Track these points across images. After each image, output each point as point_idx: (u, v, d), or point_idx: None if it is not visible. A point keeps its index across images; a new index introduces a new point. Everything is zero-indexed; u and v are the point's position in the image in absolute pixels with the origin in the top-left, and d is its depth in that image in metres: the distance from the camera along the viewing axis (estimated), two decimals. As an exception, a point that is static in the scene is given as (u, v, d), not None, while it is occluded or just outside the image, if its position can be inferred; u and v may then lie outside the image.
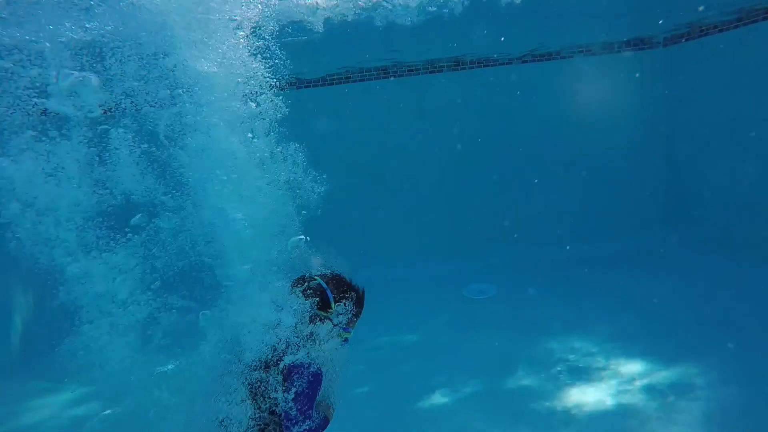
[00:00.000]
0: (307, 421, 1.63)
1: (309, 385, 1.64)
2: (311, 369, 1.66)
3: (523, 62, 6.66)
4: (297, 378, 1.64)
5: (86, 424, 4.15)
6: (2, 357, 5.06)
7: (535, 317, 5.08)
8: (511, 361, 4.32)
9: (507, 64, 6.68)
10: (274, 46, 2.11)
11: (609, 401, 3.64)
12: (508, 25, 5.26)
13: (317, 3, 4.20)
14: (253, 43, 2.05)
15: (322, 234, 1.95)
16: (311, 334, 1.73)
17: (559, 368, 4.15)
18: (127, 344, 1.97)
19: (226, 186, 1.85)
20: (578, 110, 6.46)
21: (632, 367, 4.04)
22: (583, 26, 5.96)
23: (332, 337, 1.79)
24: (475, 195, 6.95)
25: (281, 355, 1.68)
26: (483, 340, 4.77)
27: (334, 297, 1.80)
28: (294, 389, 1.62)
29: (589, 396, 3.73)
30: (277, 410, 1.64)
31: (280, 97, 2.02)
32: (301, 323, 1.72)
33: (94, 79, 1.91)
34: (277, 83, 2.02)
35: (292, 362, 1.66)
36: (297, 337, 1.71)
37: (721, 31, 5.60)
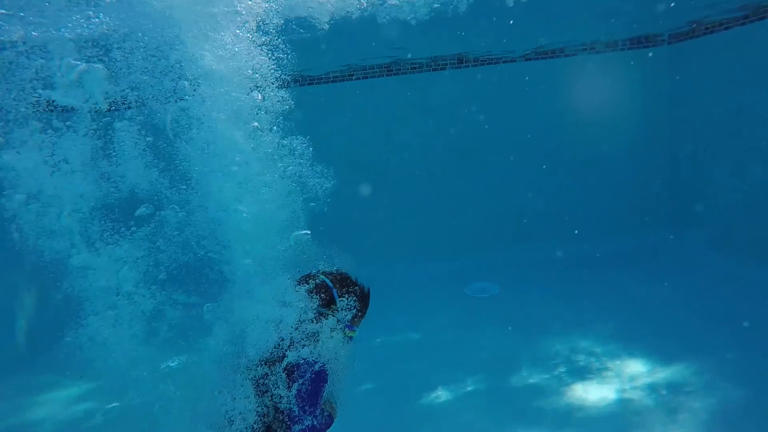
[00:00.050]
0: (312, 419, 1.63)
1: (313, 383, 1.64)
2: (315, 367, 1.66)
3: (526, 60, 6.64)
4: (301, 376, 1.64)
5: (91, 418, 4.17)
6: (8, 351, 5.08)
7: (537, 316, 5.08)
8: (513, 360, 4.33)
9: (510, 61, 6.67)
10: (278, 41, 2.11)
11: (610, 400, 3.65)
12: (512, 22, 5.25)
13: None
14: (259, 38, 2.05)
15: (325, 231, 1.95)
16: (316, 332, 1.73)
17: (560, 367, 4.16)
18: (132, 337, 1.98)
19: (232, 180, 1.86)
20: (581, 108, 6.44)
21: (633, 366, 4.04)
22: (587, 24, 5.93)
23: (337, 335, 1.79)
24: (478, 193, 6.94)
25: (285, 352, 1.68)
26: (485, 339, 4.78)
27: (339, 295, 1.80)
28: (298, 387, 1.62)
29: (590, 395, 3.73)
30: (280, 407, 1.64)
31: (284, 94, 2.02)
32: (306, 321, 1.72)
33: (101, 71, 1.91)
34: (282, 79, 2.02)
35: (297, 360, 1.66)
36: (301, 335, 1.71)
37: (726, 28, 5.57)
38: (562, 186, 6.81)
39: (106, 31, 2.83)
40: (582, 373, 4.03)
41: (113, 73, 1.98)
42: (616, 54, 6.49)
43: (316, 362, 1.67)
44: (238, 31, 2.04)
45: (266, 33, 2.12)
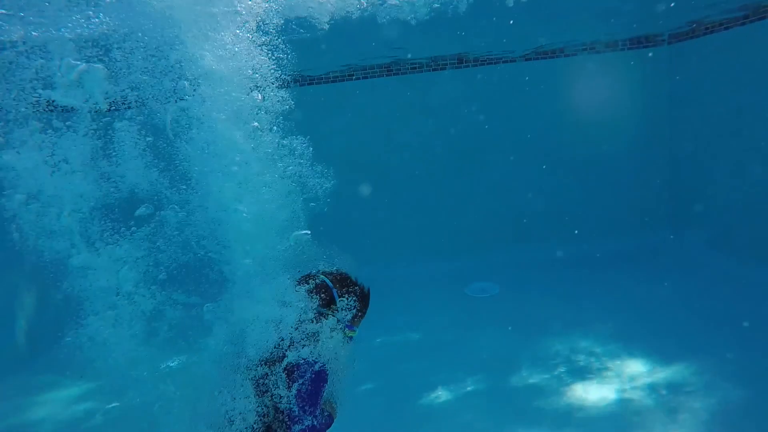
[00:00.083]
0: (312, 419, 1.63)
1: (313, 383, 1.64)
2: (315, 367, 1.66)
3: (526, 60, 6.64)
4: (301, 376, 1.63)
5: (91, 418, 4.17)
6: (8, 351, 5.08)
7: (537, 316, 5.08)
8: (513, 360, 4.33)
9: (510, 61, 6.67)
10: (278, 41, 2.11)
11: (610, 400, 3.65)
12: (512, 22, 5.25)
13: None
14: (259, 38, 2.05)
15: (325, 231, 1.95)
16: (316, 332, 1.73)
17: (560, 367, 4.16)
18: (132, 337, 1.98)
19: (232, 180, 1.86)
20: (581, 108, 6.44)
21: (633, 366, 4.04)
22: (587, 24, 5.94)
23: (337, 336, 1.79)
24: (478, 193, 6.94)
25: (285, 352, 1.68)
26: (485, 339, 4.78)
27: (339, 295, 1.80)
28: (298, 387, 1.62)
29: (590, 395, 3.73)
30: (280, 407, 1.64)
31: (284, 94, 2.02)
32: (306, 321, 1.72)
33: (101, 71, 1.91)
34: (282, 79, 2.02)
35: (297, 360, 1.66)
36: (301, 335, 1.71)
37: (726, 28, 5.57)
38: (562, 186, 6.81)
39: (106, 31, 2.83)
40: (582, 373, 4.03)
41: (113, 73, 1.98)
42: (616, 54, 6.49)
43: (316, 362, 1.67)
44: (238, 31, 2.04)
45: (266, 33, 2.12)
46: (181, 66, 1.91)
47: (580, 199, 6.82)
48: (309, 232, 1.96)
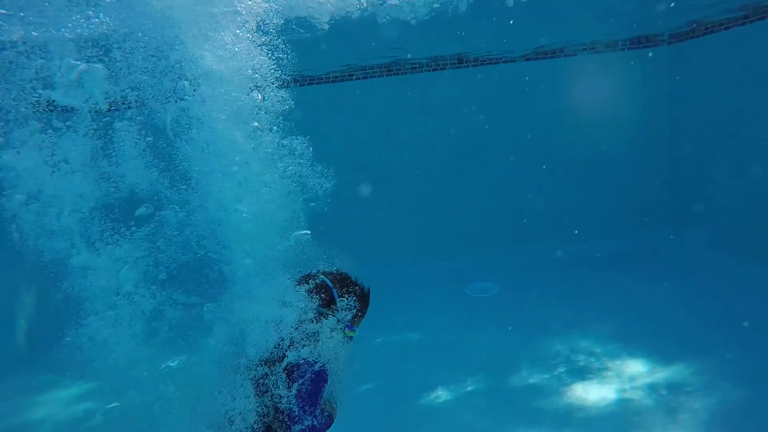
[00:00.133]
0: (312, 419, 1.63)
1: (313, 383, 1.64)
2: (315, 367, 1.66)
3: (526, 60, 6.64)
4: (301, 376, 1.63)
5: (91, 418, 4.17)
6: (8, 351, 5.08)
7: (537, 316, 5.08)
8: (513, 360, 4.33)
9: (510, 61, 6.67)
10: (278, 41, 2.11)
11: (610, 400, 3.65)
12: (512, 22, 5.25)
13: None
14: (259, 38, 2.05)
15: (325, 231, 1.95)
16: (316, 332, 1.73)
17: (560, 367, 4.16)
18: (132, 337, 1.98)
19: (232, 180, 1.86)
20: (581, 108, 6.44)
21: (633, 366, 4.04)
22: (587, 24, 5.94)
23: (337, 336, 1.79)
24: (478, 193, 6.94)
25: (285, 352, 1.68)
26: (485, 339, 4.78)
27: (339, 295, 1.80)
28: (298, 387, 1.62)
29: (590, 395, 3.73)
30: (280, 407, 1.64)
31: (284, 94, 2.02)
32: (306, 321, 1.72)
33: (101, 71, 1.91)
34: (282, 79, 2.02)
35: (297, 360, 1.66)
36: (301, 335, 1.71)
37: (726, 28, 5.57)
38: (562, 186, 6.81)
39: (106, 31, 2.83)
40: (582, 373, 4.03)
41: (113, 73, 1.98)
42: (616, 54, 6.49)
43: (316, 362, 1.67)
44: (238, 31, 2.04)
45: (266, 33, 2.12)
46: (181, 66, 1.91)
47: (580, 199, 6.82)
48: (309, 232, 1.96)
